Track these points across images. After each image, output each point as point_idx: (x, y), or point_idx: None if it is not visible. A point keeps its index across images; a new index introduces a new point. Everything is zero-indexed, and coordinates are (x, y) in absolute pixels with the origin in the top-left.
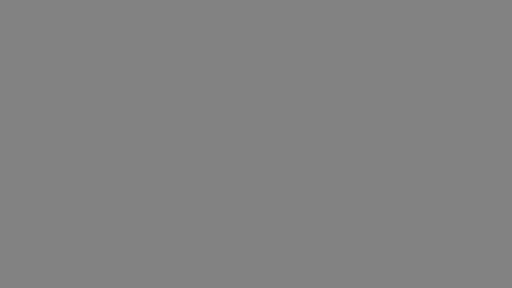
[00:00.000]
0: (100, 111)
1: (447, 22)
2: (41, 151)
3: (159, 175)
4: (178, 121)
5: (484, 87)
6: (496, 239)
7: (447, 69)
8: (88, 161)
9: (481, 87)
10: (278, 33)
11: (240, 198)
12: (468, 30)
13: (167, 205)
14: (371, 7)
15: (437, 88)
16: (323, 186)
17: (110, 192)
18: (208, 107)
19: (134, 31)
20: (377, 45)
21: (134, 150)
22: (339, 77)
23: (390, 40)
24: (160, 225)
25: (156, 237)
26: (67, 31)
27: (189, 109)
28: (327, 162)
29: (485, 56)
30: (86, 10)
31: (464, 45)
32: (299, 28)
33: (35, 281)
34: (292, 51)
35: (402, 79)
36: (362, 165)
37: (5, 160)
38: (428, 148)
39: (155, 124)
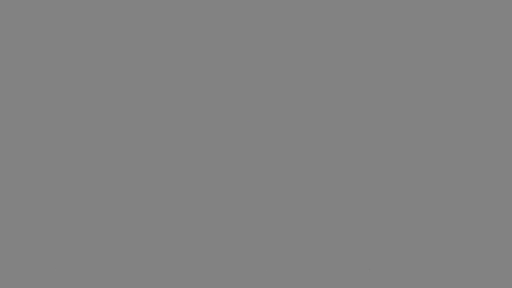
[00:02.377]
0: (100, 111)
1: (447, 22)
2: (41, 151)
3: (159, 175)
4: (178, 121)
5: (484, 87)
6: (496, 239)
7: (447, 69)
8: (88, 161)
9: (481, 87)
10: (278, 33)
11: (240, 198)
12: (468, 30)
13: (167, 205)
14: (371, 7)
15: (437, 88)
16: (323, 187)
17: (110, 192)
18: (208, 107)
19: (134, 31)
20: (377, 45)
21: (134, 151)
22: (339, 77)
23: (390, 40)
24: (160, 225)
25: (156, 238)
26: (67, 31)
27: (189, 109)
28: (327, 163)
29: (485, 56)
30: (86, 10)
31: (464, 45)
32: (299, 28)
33: (35, 281)
34: (292, 51)
35: (402, 79)
36: (362, 166)
37: (5, 160)
38: (428, 148)
39: (155, 125)
